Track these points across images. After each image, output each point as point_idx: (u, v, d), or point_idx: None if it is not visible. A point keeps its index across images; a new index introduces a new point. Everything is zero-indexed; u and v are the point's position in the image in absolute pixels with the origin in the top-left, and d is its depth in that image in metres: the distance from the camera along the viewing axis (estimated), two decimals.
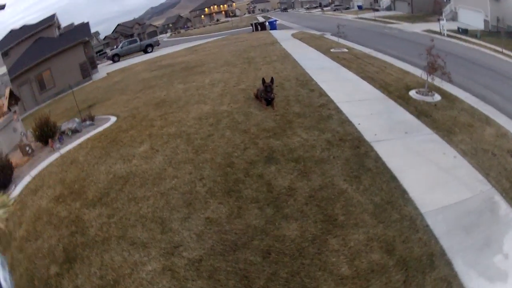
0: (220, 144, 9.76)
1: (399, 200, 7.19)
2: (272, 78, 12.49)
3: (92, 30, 47.22)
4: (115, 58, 46.60)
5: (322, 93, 13.88)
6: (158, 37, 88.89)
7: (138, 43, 49.78)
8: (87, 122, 14.09)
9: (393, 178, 7.94)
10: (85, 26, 43.87)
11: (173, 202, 7.32)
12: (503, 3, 51.07)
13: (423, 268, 5.65)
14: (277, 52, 24.85)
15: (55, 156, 11.61)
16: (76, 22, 48.59)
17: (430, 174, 8.37)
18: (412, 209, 6.93)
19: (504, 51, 33.62)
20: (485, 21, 50.32)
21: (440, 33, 40.64)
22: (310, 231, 6.24)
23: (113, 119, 14.21)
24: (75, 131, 13.44)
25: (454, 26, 46.67)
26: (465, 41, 38.17)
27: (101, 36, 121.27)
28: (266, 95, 12.37)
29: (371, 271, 5.55)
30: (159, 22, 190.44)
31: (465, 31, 43.72)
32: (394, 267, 5.62)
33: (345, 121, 11.06)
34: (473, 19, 51.62)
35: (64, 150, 11.97)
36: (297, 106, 12.48)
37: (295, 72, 17.69)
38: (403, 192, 7.47)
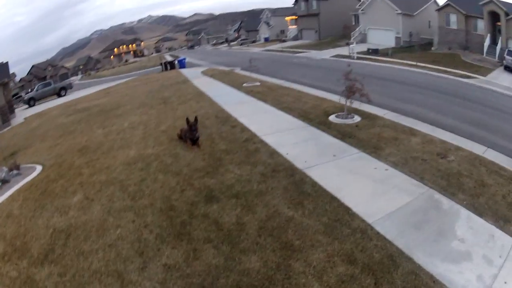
0: (155, 188, 9.46)
1: (345, 216, 7.38)
2: (195, 117, 12.40)
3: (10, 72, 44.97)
4: (31, 102, 44.79)
5: (244, 128, 14.05)
6: (70, 79, 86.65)
7: (52, 86, 48.44)
8: (14, 172, 13.21)
9: (334, 198, 8.13)
10: (4, 66, 41.46)
11: (124, 252, 6.91)
12: (415, 18, 54.43)
13: (388, 268, 5.90)
14: (190, 91, 25.13)
15: None
16: None
17: (367, 188, 8.72)
18: (359, 222, 7.17)
19: (418, 63, 35.66)
20: (396, 38, 53.23)
21: (349, 57, 42.33)
22: (271, 260, 6.19)
23: (39, 168, 13.42)
24: (4, 181, 12.54)
25: (364, 48, 49.06)
26: (377, 61, 40.20)
27: (17, 78, 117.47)
28: (191, 135, 12.28)
29: (342, 282, 5.65)
30: (70, 63, 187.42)
31: (375, 51, 46.05)
32: (361, 273, 5.79)
33: (273, 153, 11.21)
34: (384, 38, 54.52)
35: None
36: (222, 143, 12.51)
37: (213, 109, 17.88)
38: (347, 208, 7.68)
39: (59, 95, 46.41)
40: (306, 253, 6.33)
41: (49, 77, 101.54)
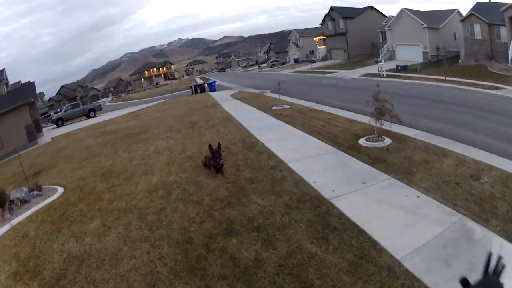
0: (174, 218, 9.18)
1: (372, 252, 6.89)
2: (219, 144, 12.21)
3: (37, 91, 45.97)
4: (59, 122, 45.85)
5: (271, 154, 13.76)
6: (100, 101, 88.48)
7: (81, 107, 49.46)
8: (35, 192, 13.32)
9: (361, 232, 7.64)
10: (30, 86, 42.54)
11: (135, 285, 6.63)
12: (441, 31, 53.72)
13: None
14: (219, 115, 25.11)
15: (6, 227, 10.72)
16: (22, 81, 47.45)
17: (397, 219, 8.20)
18: (387, 258, 6.67)
19: (447, 78, 34.95)
20: (424, 53, 52.60)
21: (379, 75, 41.87)
22: None
23: (60, 190, 13.48)
24: (24, 201, 12.63)
25: (392, 65, 48.52)
26: (406, 77, 39.68)
27: (46, 97, 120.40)
28: (214, 162, 11.99)
29: None
30: (100, 85, 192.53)
31: (404, 68, 45.40)
32: None
33: (299, 181, 10.80)
34: (412, 54, 53.97)
35: (15, 221, 11.14)
36: (247, 171, 12.17)
37: (240, 134, 17.68)
38: (374, 243, 7.18)
39: (88, 117, 47.19)
40: None
41: (79, 98, 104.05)
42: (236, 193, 10.32)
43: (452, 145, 13.28)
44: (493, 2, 47.11)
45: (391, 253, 6.80)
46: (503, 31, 42.60)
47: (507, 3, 40.20)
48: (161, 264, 7.13)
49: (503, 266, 1.98)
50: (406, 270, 6.32)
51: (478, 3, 48.12)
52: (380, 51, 64.20)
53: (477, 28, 46.23)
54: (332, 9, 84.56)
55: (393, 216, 8.36)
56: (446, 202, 8.69)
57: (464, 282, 1.91)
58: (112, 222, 9.55)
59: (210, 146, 12.09)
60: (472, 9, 47.22)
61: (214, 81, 54.28)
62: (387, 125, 14.23)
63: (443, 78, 35.65)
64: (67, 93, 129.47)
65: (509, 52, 40.02)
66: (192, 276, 6.62)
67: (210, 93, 45.21)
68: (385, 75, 42.23)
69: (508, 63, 39.32)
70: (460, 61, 47.61)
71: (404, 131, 15.18)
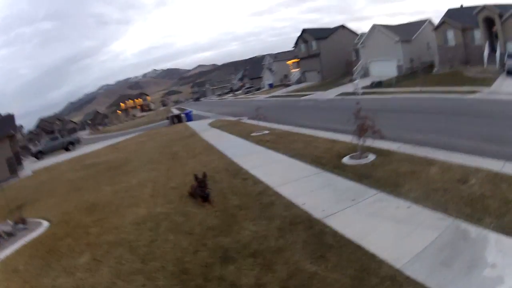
0: (166, 249, 8.96)
1: (372, 264, 6.89)
2: (204, 173, 12.07)
3: (17, 123, 45.46)
4: (39, 155, 45.36)
5: (256, 180, 13.64)
6: (78, 133, 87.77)
7: (61, 140, 49.21)
8: (20, 226, 13.12)
9: (358, 247, 7.62)
10: (10, 118, 41.90)
11: None
12: (414, 43, 54.82)
13: None
14: (199, 144, 24.92)
15: None
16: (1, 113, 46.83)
17: (391, 230, 8.25)
18: (387, 268, 6.68)
19: (423, 88, 35.55)
20: (398, 67, 53.45)
21: (355, 93, 42.38)
22: None
23: (45, 224, 13.18)
24: (10, 235, 12.44)
25: (368, 81, 49.36)
26: (382, 93, 40.28)
27: (25, 130, 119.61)
28: (201, 191, 11.83)
29: None
30: (78, 118, 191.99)
31: (379, 84, 46.27)
32: None
33: (289, 205, 10.72)
34: (386, 69, 54.84)
35: (2, 254, 10.91)
36: (235, 198, 12.02)
37: (223, 163, 17.55)
38: (372, 256, 7.18)
39: (67, 150, 46.90)
40: None
41: (57, 131, 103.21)
42: (227, 221, 10.17)
43: (436, 153, 13.49)
44: (465, 7, 48.44)
45: (391, 263, 6.81)
46: (477, 34, 43.80)
47: (480, 5, 41.21)
48: None
49: None
50: (408, 277, 6.34)
51: (449, 9, 49.49)
52: (354, 69, 65.08)
53: (451, 34, 47.39)
54: (304, 31, 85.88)
55: (387, 228, 8.40)
56: (437, 208, 8.77)
57: None
58: (103, 256, 9.28)
59: (195, 175, 11.96)
60: (445, 15, 48.46)
61: (191, 111, 54.58)
62: (369, 142, 14.33)
63: (419, 89, 36.31)
64: (45, 126, 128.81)
65: (484, 54, 40.96)
66: None
67: (188, 123, 45.13)
68: (361, 93, 42.78)
69: (484, 65, 40.19)
70: (435, 70, 48.52)
71: (387, 146, 15.30)
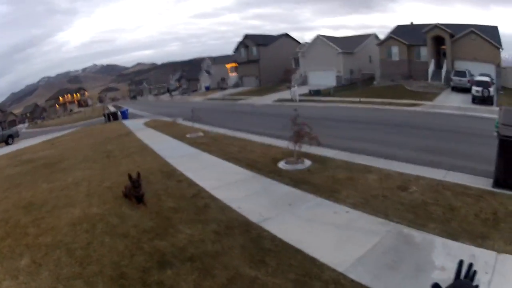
0: (103, 253, 8.66)
1: (314, 269, 6.95)
2: (138, 173, 11.72)
3: None
4: None
5: (191, 183, 13.56)
6: (18, 126, 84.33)
7: (1, 132, 46.77)
8: None
9: (297, 251, 7.69)
10: None
11: None
12: (356, 55, 56.17)
13: None
14: (134, 144, 24.56)
15: None
16: None
17: (331, 235, 8.38)
18: (330, 272, 6.75)
19: (362, 99, 36.37)
20: (337, 77, 54.61)
21: (292, 100, 42.85)
22: None
23: None
24: None
25: (305, 90, 50.00)
26: (319, 101, 41.06)
27: None
28: (135, 192, 11.56)
29: None
30: (18, 110, 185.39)
31: (317, 92, 47.08)
32: None
33: (224, 208, 10.72)
34: (325, 79, 55.88)
35: None
36: (170, 200, 11.89)
37: (157, 164, 17.35)
38: (313, 260, 7.26)
39: (7, 143, 44.90)
40: None
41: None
42: (162, 224, 10.03)
43: (374, 161, 13.90)
44: (415, 24, 49.93)
45: (333, 267, 6.89)
46: (423, 51, 45.50)
47: (430, 24, 42.62)
48: None
49: (475, 272, 2.10)
50: (352, 280, 6.43)
51: (398, 26, 51.13)
52: (292, 76, 65.88)
53: (395, 49, 49.01)
54: (246, 36, 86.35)
55: (326, 232, 8.52)
56: (377, 214, 9.02)
57: (436, 286, 1.97)
58: (42, 258, 8.85)
59: (129, 175, 11.62)
60: (392, 32, 50.04)
61: (127, 109, 54.01)
62: (305, 148, 14.58)
63: (357, 100, 37.10)
64: None
65: (429, 70, 42.58)
66: None
67: (123, 121, 44.50)
68: (298, 100, 43.44)
69: (428, 80, 41.68)
70: (375, 82, 49.90)
71: (323, 152, 15.60)
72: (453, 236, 7.47)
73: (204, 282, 6.92)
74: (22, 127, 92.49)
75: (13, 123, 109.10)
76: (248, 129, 25.72)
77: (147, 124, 36.12)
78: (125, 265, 7.94)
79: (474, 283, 2.13)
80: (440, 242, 7.38)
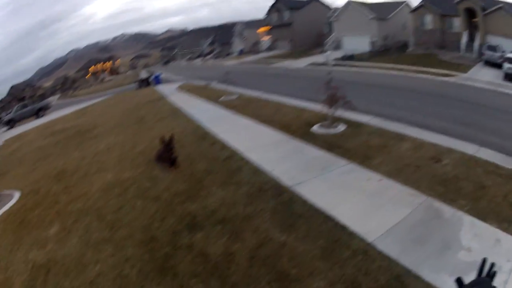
0: (134, 216, 8.75)
1: (343, 236, 6.85)
2: (171, 136, 11.73)
3: None
4: (11, 123, 43.83)
5: (224, 145, 13.51)
6: (48, 99, 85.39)
7: (30, 107, 47.51)
8: None
9: (328, 217, 7.57)
10: None
11: None
12: (389, 22, 54.71)
13: None
14: (166, 108, 24.55)
15: None
16: None
17: (362, 203, 8.21)
18: (359, 242, 6.65)
19: (397, 66, 35.53)
20: (371, 43, 53.33)
21: (325, 64, 42.07)
22: None
23: (17, 194, 12.70)
24: None
25: (339, 54, 48.98)
26: (353, 66, 40.02)
27: None
28: (168, 156, 11.60)
29: None
30: (48, 83, 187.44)
31: (351, 57, 45.95)
32: None
33: (257, 170, 10.63)
34: (359, 44, 54.66)
35: None
36: (202, 163, 11.85)
37: (190, 127, 17.33)
38: (343, 227, 7.14)
39: (38, 116, 45.48)
40: (305, 283, 5.77)
41: (28, 98, 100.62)
42: (194, 186, 10.03)
43: (408, 130, 13.48)
44: None
45: (363, 237, 6.78)
46: (456, 22, 43.83)
47: None
48: (128, 267, 6.77)
49: (495, 272, 1.95)
50: (381, 252, 6.32)
51: None
52: (325, 41, 64.73)
53: (428, 18, 47.40)
54: (278, 0, 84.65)
55: (358, 200, 8.36)
56: (409, 184, 8.77)
57: (459, 281, 1.88)
58: (72, 225, 9.04)
59: (162, 139, 11.65)
60: (424, 0, 48.15)
61: (159, 74, 52.99)
62: (339, 112, 14.26)
63: (391, 66, 36.24)
64: (17, 94, 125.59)
65: (462, 41, 41.28)
66: (162, 276, 6.33)
67: (156, 86, 44.08)
68: (332, 64, 42.46)
69: (460, 52, 40.52)
70: (409, 49, 48.63)
71: (357, 117, 15.22)
72: (481, 216, 7.22)
73: (234, 246, 6.91)
74: (52, 99, 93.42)
75: (43, 96, 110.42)
76: (281, 92, 25.26)
77: (180, 88, 35.74)
78: (156, 228, 8.01)
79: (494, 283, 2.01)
80: (468, 220, 7.15)
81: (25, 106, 48.43)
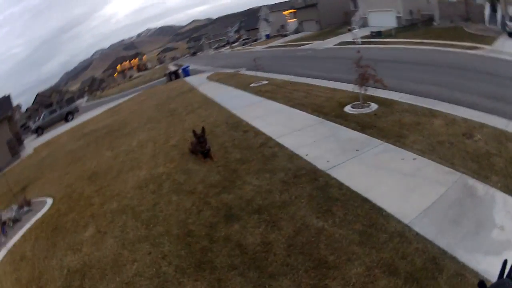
0: (170, 212, 8.77)
1: (380, 219, 6.75)
2: (203, 128, 11.70)
3: (14, 103, 44.87)
4: (39, 131, 44.57)
5: (257, 132, 13.43)
6: (76, 102, 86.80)
7: (58, 112, 48.30)
8: (25, 209, 12.83)
9: (364, 200, 7.47)
10: (6, 100, 41.39)
11: None
12: None
13: (432, 273, 5.40)
14: (197, 99, 24.49)
15: (3, 252, 10.16)
16: None
17: (398, 184, 8.09)
18: (396, 224, 6.56)
19: (424, 40, 34.87)
20: (398, 18, 52.46)
21: (354, 43, 41.56)
22: (305, 282, 5.53)
23: (49, 201, 12.91)
24: (15, 220, 12.16)
25: (366, 32, 48.35)
26: (382, 43, 39.45)
27: (23, 108, 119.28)
28: (201, 147, 11.60)
29: None
30: (75, 86, 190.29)
31: (379, 34, 45.24)
32: (405, 284, 5.24)
33: (292, 156, 10.53)
34: (385, 20, 53.78)
35: (10, 243, 10.57)
36: (236, 152, 11.81)
37: (223, 116, 17.26)
38: (380, 210, 7.05)
39: (66, 120, 46.21)
40: (343, 269, 5.70)
41: (55, 103, 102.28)
42: (229, 176, 10.00)
43: (439, 106, 13.21)
44: None
45: (399, 219, 6.69)
46: None
47: None
48: (165, 264, 6.79)
49: None
50: (417, 234, 6.23)
51: None
52: (352, 19, 63.88)
53: None
54: None
55: (393, 181, 8.24)
56: (443, 162, 8.62)
57: (482, 284, 1.95)
58: (107, 226, 9.11)
59: (194, 131, 11.64)
60: None
61: (188, 66, 52.84)
62: (370, 91, 14.09)
63: (419, 41, 35.56)
64: (43, 101, 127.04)
65: (485, 12, 40.26)
66: (200, 271, 6.32)
67: (185, 78, 44.05)
68: (360, 42, 41.87)
69: (485, 23, 39.56)
70: (435, 23, 47.63)
71: (388, 95, 14.96)
72: None
73: (271, 235, 6.86)
74: (81, 102, 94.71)
75: (71, 100, 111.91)
76: (312, 74, 24.97)
77: (209, 78, 35.71)
78: (192, 223, 8.02)
79: None
80: (501, 197, 7.00)
81: (53, 111, 49.26)
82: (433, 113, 12.22)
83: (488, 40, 30.91)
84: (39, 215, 11.98)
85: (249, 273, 5.98)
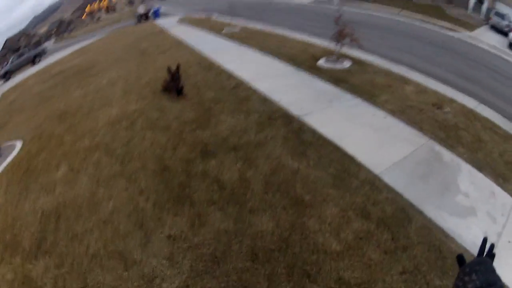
0: (145, 147, 8.71)
1: (352, 166, 7.09)
2: (178, 65, 11.65)
3: None
4: (7, 75, 43.18)
5: (231, 75, 13.42)
6: (44, 45, 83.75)
7: (26, 55, 46.74)
8: None
9: (337, 147, 7.80)
10: None
11: (121, 228, 6.15)
12: None
13: (402, 222, 5.78)
14: (169, 40, 23.93)
15: None
16: None
17: (369, 136, 8.44)
18: (367, 173, 6.91)
19: (402, 11, 35.04)
20: None
21: (330, 2, 41.15)
22: (284, 219, 5.77)
23: (19, 144, 12.19)
24: None
25: None
26: (359, 7, 39.19)
27: None
28: (174, 84, 11.59)
29: (359, 239, 5.44)
30: (43, 29, 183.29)
31: None
32: (377, 229, 5.61)
33: (265, 100, 10.67)
34: None
35: None
36: (210, 92, 11.82)
37: (195, 57, 17.02)
38: (352, 158, 7.39)
39: (34, 63, 44.88)
40: (319, 209, 5.97)
41: (23, 47, 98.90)
42: (203, 114, 10.06)
43: (412, 74, 13.53)
44: None
45: (370, 168, 7.02)
46: None
47: None
48: (143, 200, 6.73)
49: (494, 255, 1.96)
50: (387, 184, 6.57)
51: None
52: None
53: None
54: None
55: (365, 133, 8.57)
56: (413, 124, 9.01)
57: (460, 258, 1.91)
58: (80, 164, 8.84)
59: (169, 68, 11.62)
60: None
61: (159, 8, 51.28)
62: (345, 49, 14.27)
63: (398, 10, 35.65)
64: (12, 46, 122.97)
65: (470, 0, 40.57)
66: (179, 206, 6.36)
67: (156, 21, 43.17)
68: (336, 3, 41.66)
69: (468, 10, 39.90)
70: None
71: (363, 56, 15.13)
72: (478, 166, 7.49)
73: (248, 172, 7.04)
74: (48, 44, 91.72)
75: (38, 43, 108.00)
76: (285, 26, 24.37)
77: (181, 21, 34.76)
78: (168, 158, 8.05)
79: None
80: (466, 168, 7.43)
81: (20, 55, 47.52)
82: (405, 80, 12.53)
83: (468, 26, 31.44)
84: (9, 159, 11.27)
85: (229, 208, 6.13)
